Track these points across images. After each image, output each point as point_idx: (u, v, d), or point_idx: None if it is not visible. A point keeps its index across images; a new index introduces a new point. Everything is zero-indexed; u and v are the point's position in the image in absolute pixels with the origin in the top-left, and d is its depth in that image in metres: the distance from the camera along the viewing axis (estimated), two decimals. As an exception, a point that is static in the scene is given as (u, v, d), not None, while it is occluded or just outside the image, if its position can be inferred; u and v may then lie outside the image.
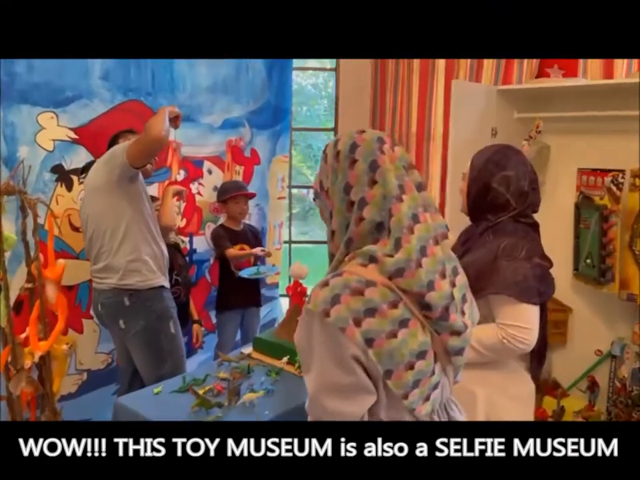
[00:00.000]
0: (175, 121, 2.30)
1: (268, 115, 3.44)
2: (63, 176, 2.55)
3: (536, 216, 1.71)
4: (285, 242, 3.87)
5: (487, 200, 1.64)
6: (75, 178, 2.56)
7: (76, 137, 2.57)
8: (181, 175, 3.05)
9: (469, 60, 3.14)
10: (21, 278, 2.35)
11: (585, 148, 2.77)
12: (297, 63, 3.76)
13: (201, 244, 3.23)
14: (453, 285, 1.03)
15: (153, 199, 2.65)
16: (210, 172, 3.20)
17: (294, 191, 4.34)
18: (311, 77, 8.87)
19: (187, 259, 3.14)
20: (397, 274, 0.95)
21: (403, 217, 0.96)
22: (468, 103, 2.60)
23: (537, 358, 1.63)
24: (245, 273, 2.98)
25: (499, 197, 1.62)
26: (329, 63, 4.01)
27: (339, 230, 1.02)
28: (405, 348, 0.94)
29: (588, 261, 2.71)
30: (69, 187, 2.57)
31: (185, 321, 2.83)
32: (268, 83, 3.38)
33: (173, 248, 2.70)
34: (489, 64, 3.07)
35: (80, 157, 2.57)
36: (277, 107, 3.48)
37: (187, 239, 3.14)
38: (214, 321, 3.24)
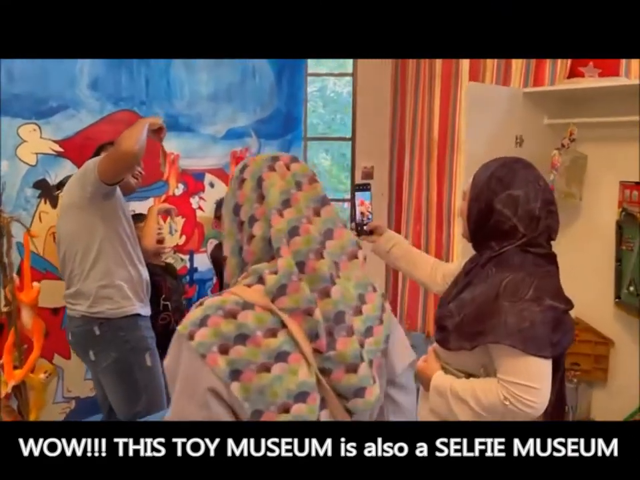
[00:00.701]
0: (158, 133, 2.11)
1: (278, 124, 3.21)
2: (47, 191, 2.41)
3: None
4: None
5: (490, 224, 1.35)
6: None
7: (61, 150, 2.42)
8: (179, 189, 2.87)
9: (495, 62, 2.85)
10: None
11: (628, 158, 2.43)
12: (311, 68, 3.53)
13: (203, 262, 3.02)
14: (359, 312, 0.91)
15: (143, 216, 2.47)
16: (212, 185, 3.00)
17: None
18: (347, 85, 8.61)
19: (188, 278, 2.95)
20: (280, 292, 0.85)
21: (281, 229, 0.88)
22: (487, 108, 2.29)
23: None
24: None
25: (504, 221, 1.33)
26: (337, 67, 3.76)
27: (230, 254, 0.94)
28: (280, 386, 0.82)
29: (631, 288, 2.40)
30: (54, 203, 2.42)
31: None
32: (277, 89, 3.16)
33: (162, 270, 2.51)
34: (517, 65, 2.75)
35: (66, 171, 2.42)
36: (287, 115, 3.25)
37: (186, 257, 2.95)
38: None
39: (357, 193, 1.74)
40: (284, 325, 0.84)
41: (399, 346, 0.99)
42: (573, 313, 2.53)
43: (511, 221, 1.32)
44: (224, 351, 0.81)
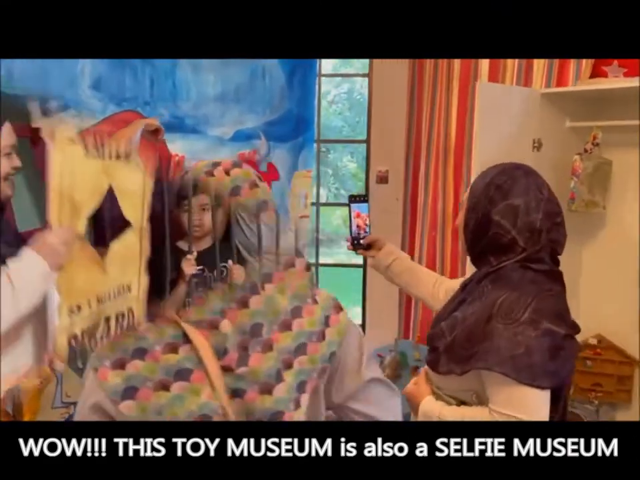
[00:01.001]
0: (155, 134, 2.05)
1: (289, 126, 3.11)
2: (47, 193, 2.37)
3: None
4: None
5: (487, 237, 1.23)
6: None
7: (62, 150, 2.38)
8: (184, 192, 2.81)
9: (515, 62, 2.70)
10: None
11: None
12: (325, 69, 3.43)
13: (208, 266, 2.96)
14: (287, 327, 0.85)
15: None
16: (218, 188, 2.93)
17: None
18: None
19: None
20: (185, 302, 0.82)
21: None
22: (501, 109, 2.16)
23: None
24: None
25: (502, 233, 1.20)
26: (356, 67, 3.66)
27: None
28: (180, 407, 0.78)
29: (657, 304, 2.21)
30: (53, 205, 2.38)
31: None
32: (288, 90, 3.06)
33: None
34: (538, 66, 2.60)
35: (66, 171, 2.38)
36: (299, 117, 3.15)
37: (191, 262, 2.89)
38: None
39: (352, 205, 1.63)
40: (189, 340, 0.79)
41: (344, 368, 0.90)
42: (595, 330, 2.43)
43: (510, 233, 1.20)
44: (120, 365, 0.78)
